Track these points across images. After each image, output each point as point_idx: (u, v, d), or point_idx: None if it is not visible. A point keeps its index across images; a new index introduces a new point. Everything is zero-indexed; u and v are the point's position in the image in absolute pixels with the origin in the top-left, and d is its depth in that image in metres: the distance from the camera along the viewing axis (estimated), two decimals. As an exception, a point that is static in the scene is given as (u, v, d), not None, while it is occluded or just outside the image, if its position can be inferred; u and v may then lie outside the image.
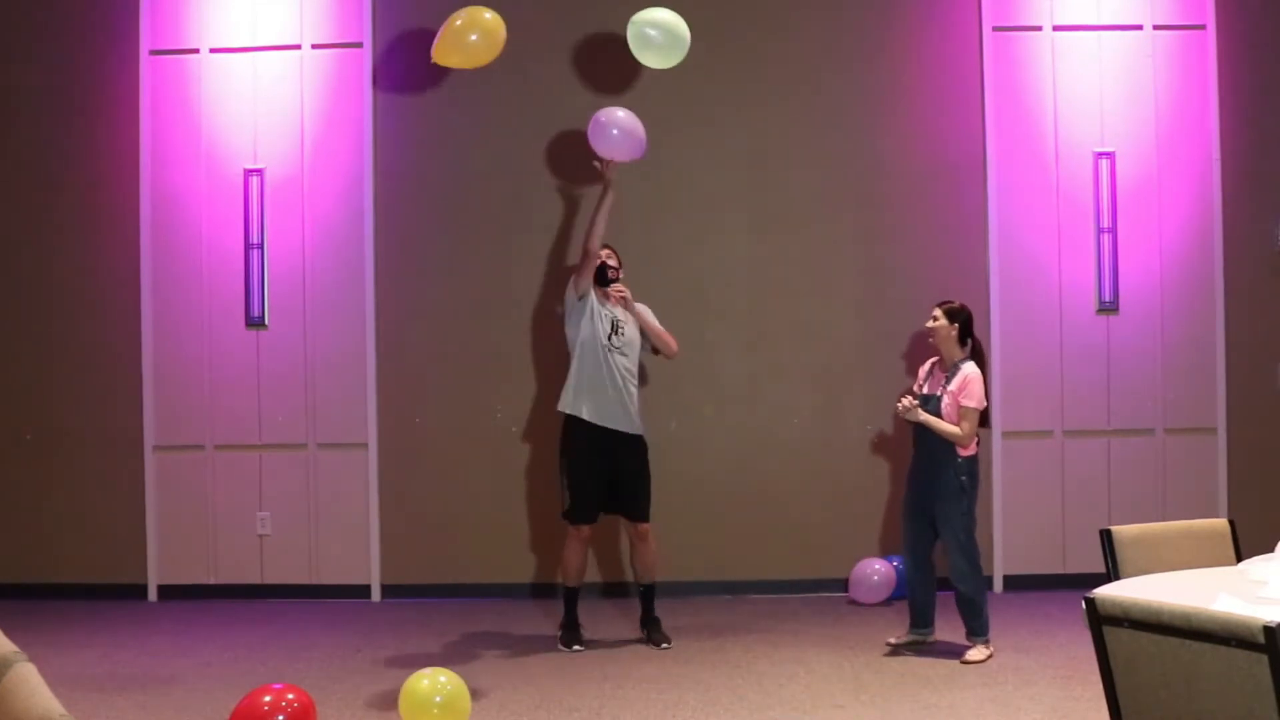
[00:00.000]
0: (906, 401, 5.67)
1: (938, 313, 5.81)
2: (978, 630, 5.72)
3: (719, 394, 7.28)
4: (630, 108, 7.20)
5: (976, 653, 5.66)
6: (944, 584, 5.89)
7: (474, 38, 5.42)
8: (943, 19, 7.28)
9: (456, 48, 5.46)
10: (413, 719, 4.48)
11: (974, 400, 5.63)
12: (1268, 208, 7.20)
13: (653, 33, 5.72)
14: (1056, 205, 7.24)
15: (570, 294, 6.06)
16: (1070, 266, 7.23)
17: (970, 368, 5.70)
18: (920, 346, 7.07)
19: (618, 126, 5.98)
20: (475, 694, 4.91)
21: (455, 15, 5.47)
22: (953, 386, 5.68)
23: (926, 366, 5.95)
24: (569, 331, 6.08)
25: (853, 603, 6.99)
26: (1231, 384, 7.19)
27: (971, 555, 5.68)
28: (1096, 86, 7.23)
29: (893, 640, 5.96)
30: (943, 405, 5.68)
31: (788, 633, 6.31)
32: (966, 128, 7.24)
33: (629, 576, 7.02)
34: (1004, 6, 7.25)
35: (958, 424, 5.63)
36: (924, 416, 5.65)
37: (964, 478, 5.68)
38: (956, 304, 5.85)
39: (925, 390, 5.82)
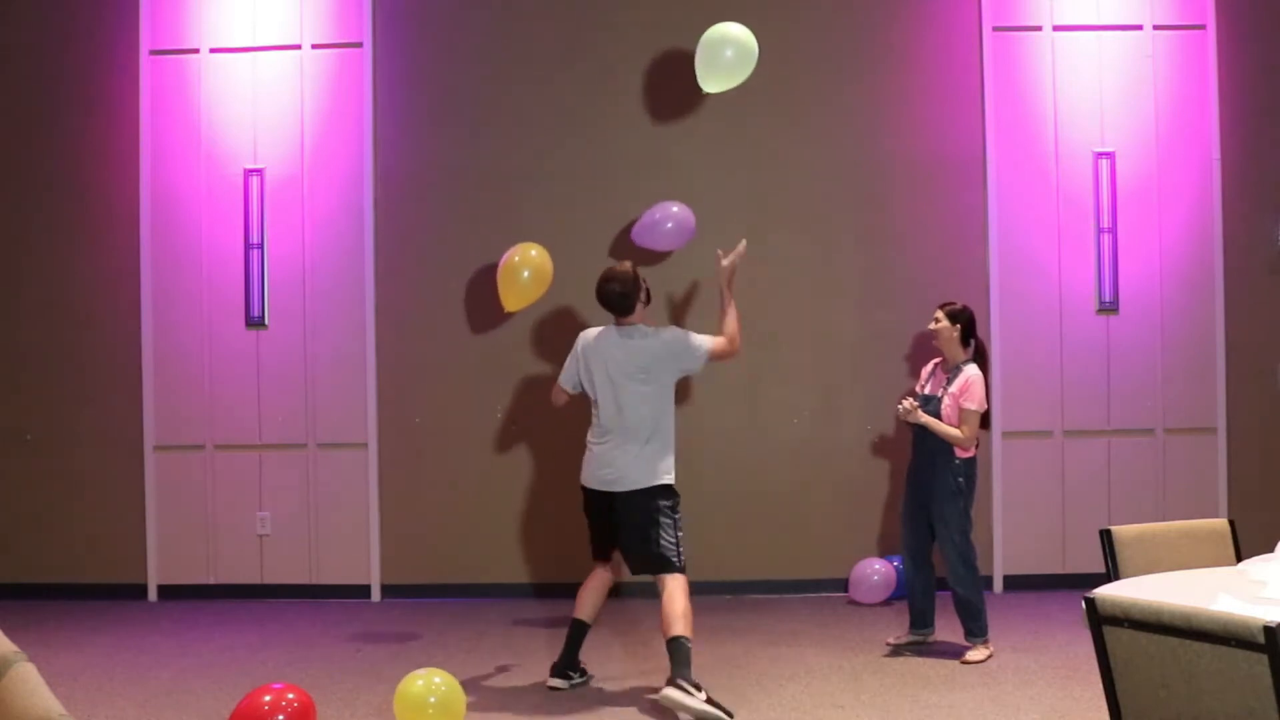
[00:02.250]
0: (907, 403, 5.66)
1: (939, 314, 5.79)
2: (976, 631, 5.71)
3: (719, 394, 7.27)
4: (630, 109, 7.25)
5: (976, 653, 5.65)
6: (943, 584, 5.88)
7: (526, 275, 5.74)
8: (943, 19, 7.28)
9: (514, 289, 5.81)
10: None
11: (975, 403, 5.62)
12: (1268, 208, 7.21)
13: (728, 53, 5.58)
14: (1056, 205, 7.24)
15: (698, 363, 5.31)
16: (1070, 266, 7.23)
17: (972, 370, 5.69)
18: (921, 347, 7.07)
19: (671, 220, 6.21)
20: (474, 694, 4.90)
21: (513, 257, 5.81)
22: (954, 388, 5.67)
23: (929, 367, 5.94)
24: (668, 396, 5.27)
25: (853, 603, 6.99)
26: (1231, 384, 7.19)
27: (967, 557, 5.67)
28: (1096, 86, 7.23)
29: (892, 640, 5.96)
30: (943, 407, 5.68)
31: (788, 633, 6.30)
32: (966, 128, 7.24)
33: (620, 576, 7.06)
34: (1004, 6, 7.25)
35: (958, 426, 5.63)
36: (924, 418, 5.65)
37: (961, 479, 5.67)
38: (959, 305, 5.82)
39: (927, 391, 5.82)
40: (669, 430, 5.23)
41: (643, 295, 5.30)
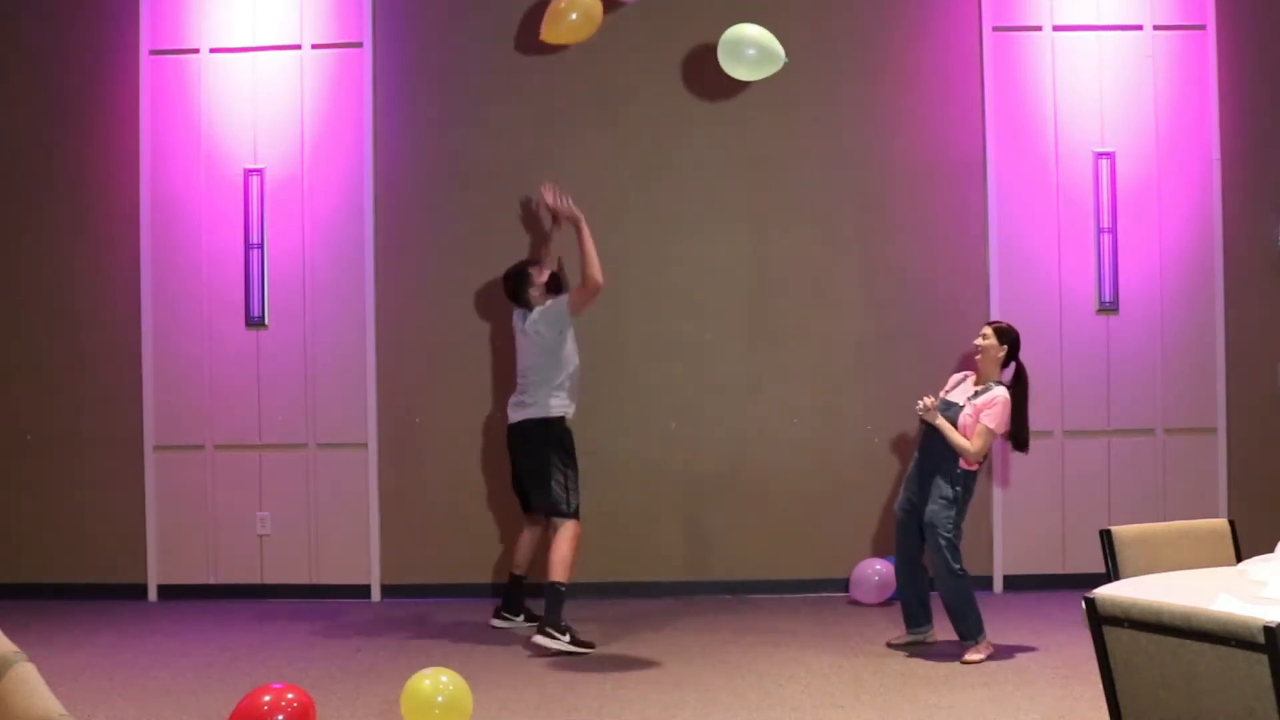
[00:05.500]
0: (927, 400, 5.67)
1: (988, 331, 5.80)
2: (967, 634, 5.71)
3: (719, 394, 7.27)
4: (632, 111, 7.26)
5: (975, 653, 5.65)
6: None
7: (574, 16, 6.08)
8: (943, 19, 7.28)
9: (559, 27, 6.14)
10: (415, 719, 4.48)
11: (993, 421, 5.62)
12: (1268, 208, 7.21)
13: (750, 51, 5.73)
14: (1056, 205, 7.24)
15: (567, 317, 6.21)
16: (1070, 266, 7.22)
17: (1002, 392, 5.68)
18: (924, 347, 7.09)
19: None
20: (475, 694, 4.90)
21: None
22: (979, 401, 5.67)
23: (959, 376, 5.95)
24: (558, 348, 6.22)
25: (853, 603, 6.99)
26: (1231, 384, 7.19)
27: (952, 564, 5.66)
28: (1096, 86, 7.23)
29: (892, 641, 5.96)
30: (962, 414, 5.68)
31: (788, 633, 6.30)
32: (966, 128, 7.24)
33: (620, 576, 7.07)
34: (1004, 6, 7.25)
35: (970, 438, 5.63)
36: (940, 421, 5.65)
37: (958, 488, 5.68)
38: (1004, 324, 5.85)
39: (949, 397, 5.81)
40: None
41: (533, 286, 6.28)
